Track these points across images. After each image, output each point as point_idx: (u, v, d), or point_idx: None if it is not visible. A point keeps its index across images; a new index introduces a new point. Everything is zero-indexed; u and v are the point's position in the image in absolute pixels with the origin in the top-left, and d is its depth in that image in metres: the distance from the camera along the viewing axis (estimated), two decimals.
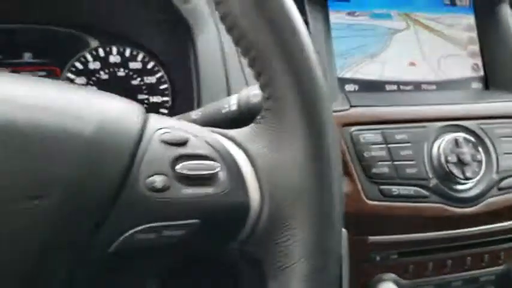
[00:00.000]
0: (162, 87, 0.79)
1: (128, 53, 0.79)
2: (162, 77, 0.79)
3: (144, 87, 0.79)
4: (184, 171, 0.32)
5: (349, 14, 0.71)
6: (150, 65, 0.79)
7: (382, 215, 0.61)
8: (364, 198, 0.60)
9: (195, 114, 0.50)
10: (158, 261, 0.33)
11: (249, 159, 0.35)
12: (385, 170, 0.61)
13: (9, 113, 0.29)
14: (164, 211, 0.31)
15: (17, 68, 0.78)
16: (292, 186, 0.33)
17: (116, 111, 0.33)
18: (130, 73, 0.79)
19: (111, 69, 0.78)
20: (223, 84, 0.62)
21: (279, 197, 0.33)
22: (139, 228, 0.30)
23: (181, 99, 0.77)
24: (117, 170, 0.30)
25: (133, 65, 0.79)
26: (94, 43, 0.78)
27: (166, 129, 0.34)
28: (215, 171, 0.33)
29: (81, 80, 0.77)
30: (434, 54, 0.73)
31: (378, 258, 0.63)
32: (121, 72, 0.79)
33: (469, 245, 0.65)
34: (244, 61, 0.62)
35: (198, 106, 0.63)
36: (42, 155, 0.28)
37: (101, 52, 0.78)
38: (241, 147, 0.36)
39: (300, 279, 0.32)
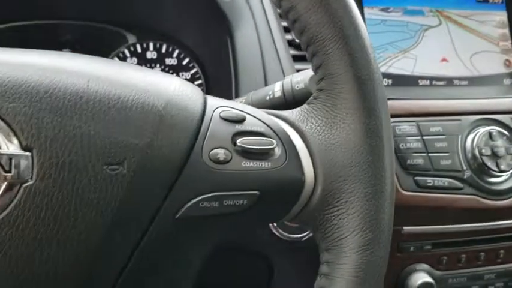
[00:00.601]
0: (196, 82, 0.81)
1: (164, 49, 0.81)
2: (196, 72, 0.81)
3: None
4: (244, 146, 0.34)
5: (382, 10, 0.72)
6: (185, 61, 0.81)
7: (417, 205, 0.62)
8: (400, 188, 0.61)
9: (239, 101, 0.52)
10: (220, 230, 0.35)
11: (302, 138, 0.36)
12: (420, 161, 0.62)
13: (95, 87, 0.31)
14: (226, 181, 0.33)
15: None
16: (346, 162, 0.34)
17: (181, 89, 0.35)
18: (166, 69, 0.81)
19: (147, 65, 0.81)
20: (261, 77, 0.64)
21: (332, 173, 0.35)
22: (204, 196, 0.32)
23: (216, 94, 0.79)
24: (184, 141, 0.32)
25: (169, 61, 0.81)
26: (132, 39, 0.81)
27: (224, 107, 0.36)
28: (272, 146, 0.35)
29: None
30: (466, 50, 0.74)
31: (411, 248, 0.64)
32: (157, 68, 0.81)
33: (502, 237, 0.66)
34: (282, 55, 0.65)
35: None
36: (121, 124, 0.30)
37: (139, 48, 0.81)
38: (294, 127, 0.37)
39: (353, 251, 0.34)
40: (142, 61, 0.81)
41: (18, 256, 0.29)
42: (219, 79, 0.76)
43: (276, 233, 0.60)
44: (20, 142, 0.29)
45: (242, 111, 0.37)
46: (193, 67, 0.81)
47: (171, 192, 0.32)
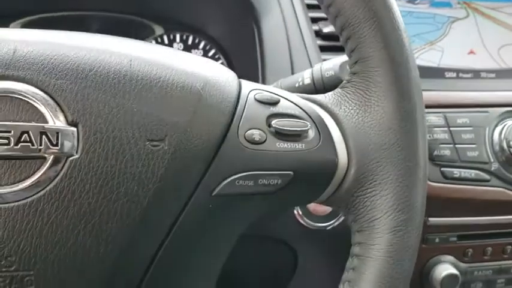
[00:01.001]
0: None
1: (190, 40, 0.82)
2: (222, 63, 0.82)
3: None
4: (278, 127, 0.34)
5: (409, 1, 0.72)
6: (211, 53, 0.82)
7: (443, 197, 0.62)
8: None
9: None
10: (254, 209, 0.36)
11: (335, 121, 0.37)
12: (447, 152, 0.62)
13: (138, 66, 0.32)
14: (261, 161, 0.33)
15: None
16: (379, 144, 0.35)
17: (217, 71, 0.35)
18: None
19: None
20: (287, 67, 0.64)
21: (366, 155, 0.35)
22: (240, 175, 0.33)
23: None
24: (221, 121, 0.33)
25: (195, 52, 0.82)
26: (159, 30, 0.82)
27: (258, 90, 0.37)
28: (305, 128, 0.35)
29: None
30: (494, 42, 0.74)
31: (437, 240, 0.64)
32: None
33: None
34: (309, 46, 0.65)
35: None
36: (163, 103, 0.31)
37: (166, 39, 0.82)
38: (327, 110, 0.38)
39: (385, 232, 0.34)
40: None
41: (64, 228, 0.30)
42: (245, 69, 0.77)
43: (301, 221, 0.60)
44: (66, 117, 0.30)
45: (276, 94, 0.37)
46: (219, 58, 0.82)
47: (208, 169, 0.32)
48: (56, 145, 0.29)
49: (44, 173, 0.29)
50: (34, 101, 0.30)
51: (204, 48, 0.82)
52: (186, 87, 0.33)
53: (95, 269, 0.31)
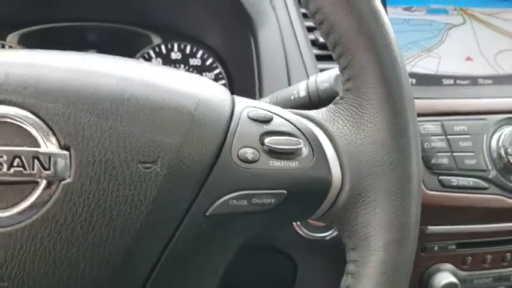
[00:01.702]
0: (220, 82, 0.82)
1: (188, 49, 0.82)
2: (220, 73, 0.82)
3: None
4: (272, 146, 0.34)
5: (405, 9, 0.72)
6: (208, 62, 0.82)
7: (441, 205, 0.62)
8: (424, 188, 0.61)
9: (264, 101, 0.53)
10: (248, 228, 0.36)
11: (329, 138, 0.37)
12: (445, 160, 0.62)
13: (129, 88, 0.32)
14: (254, 180, 0.33)
15: None
16: (373, 161, 0.35)
17: (210, 89, 0.36)
18: (190, 69, 0.82)
19: (172, 66, 0.82)
20: (284, 76, 0.65)
21: (359, 172, 0.35)
22: (233, 194, 0.33)
23: (239, 94, 0.80)
24: (214, 141, 0.33)
25: (193, 61, 0.83)
26: (157, 40, 0.82)
27: (252, 107, 0.37)
28: (299, 146, 0.35)
29: None
30: (491, 49, 0.74)
31: (436, 248, 0.64)
32: (181, 68, 0.82)
33: None
34: (306, 55, 0.65)
35: (260, 97, 0.66)
36: (155, 124, 0.31)
37: (163, 49, 0.82)
38: (321, 127, 0.38)
39: (379, 249, 0.34)
40: (167, 62, 0.82)
41: (57, 251, 0.30)
42: (242, 79, 0.77)
43: (300, 232, 0.60)
44: (58, 141, 0.30)
45: (269, 111, 0.37)
46: (216, 67, 0.82)
47: (201, 190, 0.32)
48: (49, 169, 0.29)
49: (37, 197, 0.29)
50: (26, 125, 0.30)
51: (202, 57, 0.82)
52: (178, 108, 0.33)
53: None
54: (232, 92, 0.82)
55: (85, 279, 0.30)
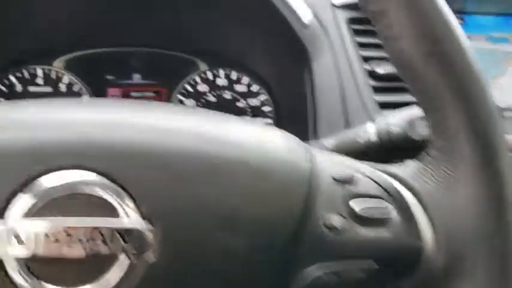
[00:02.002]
0: (265, 109, 0.81)
1: (234, 76, 0.81)
2: (266, 100, 0.81)
3: (248, 109, 0.80)
4: (359, 212, 0.32)
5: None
6: (255, 89, 0.80)
7: None
8: None
9: (326, 142, 0.50)
10: None
11: (416, 198, 0.34)
12: None
13: (213, 149, 0.30)
14: (342, 250, 0.31)
15: (127, 88, 0.81)
16: (468, 227, 0.32)
17: (287, 145, 0.33)
18: (236, 95, 0.81)
19: (218, 92, 0.80)
20: (340, 109, 0.62)
21: (454, 238, 0.32)
22: (319, 265, 0.31)
23: (288, 122, 0.78)
24: (298, 208, 0.30)
25: (238, 87, 0.81)
26: (203, 66, 0.81)
27: (329, 163, 0.34)
28: (387, 210, 0.33)
29: (190, 102, 0.80)
30: None
31: None
32: (227, 95, 0.81)
33: None
34: (361, 85, 0.63)
35: (315, 132, 0.63)
36: (239, 190, 0.29)
37: (210, 75, 0.81)
38: (406, 185, 0.35)
39: None
40: (213, 88, 0.80)
41: None
42: (292, 108, 0.75)
43: None
44: (139, 211, 0.28)
45: (348, 166, 0.35)
46: (262, 94, 0.81)
47: (286, 261, 0.30)
48: (132, 243, 0.27)
49: (116, 272, 0.27)
50: (106, 194, 0.28)
51: (248, 85, 0.81)
52: (264, 175, 0.30)
53: None
54: (280, 120, 0.80)
55: None
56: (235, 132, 0.32)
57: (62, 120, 0.30)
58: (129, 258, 0.27)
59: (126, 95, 0.82)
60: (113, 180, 0.28)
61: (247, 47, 0.77)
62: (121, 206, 0.28)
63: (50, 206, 0.27)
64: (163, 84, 0.82)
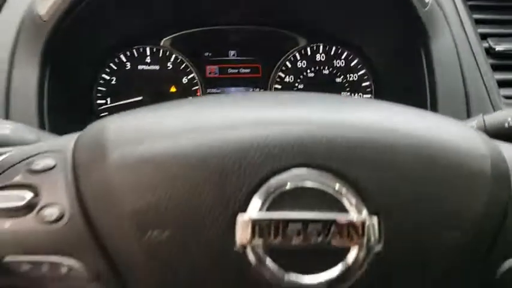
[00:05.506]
0: (364, 84, 0.81)
1: (332, 51, 0.81)
2: (365, 74, 0.81)
3: (347, 85, 0.81)
4: None
5: None
6: (353, 63, 0.81)
7: None
8: None
9: (469, 125, 0.51)
10: None
11: None
12: None
13: (434, 151, 0.32)
14: None
15: (223, 65, 0.83)
16: None
17: (483, 141, 0.34)
18: (334, 71, 0.81)
19: (316, 68, 0.81)
20: (460, 88, 0.62)
21: None
22: None
23: (388, 96, 0.78)
24: (504, 199, 0.32)
25: (337, 63, 0.81)
26: (302, 42, 0.81)
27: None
28: None
29: (290, 78, 0.81)
30: None
31: None
32: (326, 70, 0.81)
33: None
34: (481, 63, 0.62)
35: (432, 108, 0.64)
36: (454, 189, 0.31)
37: (309, 51, 0.81)
38: None
39: None
40: (311, 63, 0.81)
41: None
42: (398, 83, 0.75)
43: None
44: (367, 208, 0.30)
45: None
46: (361, 68, 0.81)
47: (491, 252, 0.32)
48: (361, 236, 0.30)
49: (350, 263, 0.30)
50: (336, 191, 0.30)
51: (346, 59, 0.81)
52: (475, 170, 0.32)
53: None
54: (378, 94, 0.80)
55: None
56: (448, 134, 0.34)
57: (288, 120, 0.32)
58: (360, 249, 0.30)
59: (223, 72, 0.83)
60: (341, 178, 0.30)
61: (349, 23, 0.77)
62: (349, 201, 0.30)
63: (283, 200, 0.30)
64: (260, 61, 0.83)
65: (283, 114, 0.33)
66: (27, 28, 0.61)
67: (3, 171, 0.32)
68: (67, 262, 0.29)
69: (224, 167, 0.29)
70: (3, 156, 0.33)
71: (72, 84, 0.71)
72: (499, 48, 0.64)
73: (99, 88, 0.77)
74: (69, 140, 0.33)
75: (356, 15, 0.74)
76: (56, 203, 0.30)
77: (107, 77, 0.77)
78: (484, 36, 0.66)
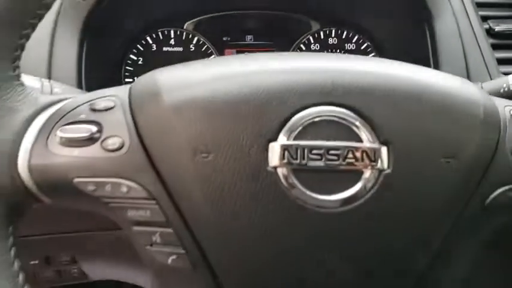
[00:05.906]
0: None
1: (344, 35, 0.87)
2: (374, 56, 0.87)
3: None
4: None
5: None
6: (363, 46, 0.87)
7: None
8: None
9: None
10: None
11: None
12: None
13: (432, 92, 0.37)
14: None
15: (240, 49, 0.89)
16: None
17: (477, 91, 0.40)
18: (346, 53, 0.87)
19: (329, 51, 0.87)
20: (462, 67, 0.68)
21: None
22: (508, 187, 0.38)
23: None
24: (493, 137, 0.38)
25: (348, 46, 0.87)
26: (315, 26, 0.87)
27: (510, 106, 0.41)
28: None
29: None
30: None
31: None
32: (337, 53, 0.87)
33: None
34: (482, 43, 0.68)
35: None
36: (452, 121, 0.37)
37: (321, 35, 0.87)
38: None
39: None
40: (324, 47, 0.87)
41: (375, 236, 0.37)
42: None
43: None
44: (378, 138, 0.36)
45: None
46: (371, 51, 0.87)
47: (482, 180, 0.38)
48: (374, 161, 0.36)
49: (363, 184, 0.36)
50: (352, 124, 0.36)
51: (356, 42, 0.87)
52: (469, 107, 0.38)
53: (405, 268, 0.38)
54: None
55: (405, 257, 0.37)
56: (449, 83, 0.40)
57: (315, 68, 0.38)
58: (372, 171, 0.36)
59: None
60: (357, 114, 0.36)
61: (359, 7, 0.83)
62: (363, 133, 0.36)
63: (309, 131, 0.36)
64: (275, 45, 0.89)
65: (310, 64, 0.39)
66: (66, 8, 0.68)
67: (70, 111, 0.38)
68: (127, 183, 0.36)
69: (261, 104, 0.35)
70: (68, 100, 0.39)
71: (104, 64, 0.78)
72: (498, 28, 0.69)
73: (127, 67, 0.84)
74: (123, 89, 0.40)
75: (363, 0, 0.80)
76: (117, 135, 0.36)
77: (134, 58, 0.84)
78: (484, 19, 0.71)
